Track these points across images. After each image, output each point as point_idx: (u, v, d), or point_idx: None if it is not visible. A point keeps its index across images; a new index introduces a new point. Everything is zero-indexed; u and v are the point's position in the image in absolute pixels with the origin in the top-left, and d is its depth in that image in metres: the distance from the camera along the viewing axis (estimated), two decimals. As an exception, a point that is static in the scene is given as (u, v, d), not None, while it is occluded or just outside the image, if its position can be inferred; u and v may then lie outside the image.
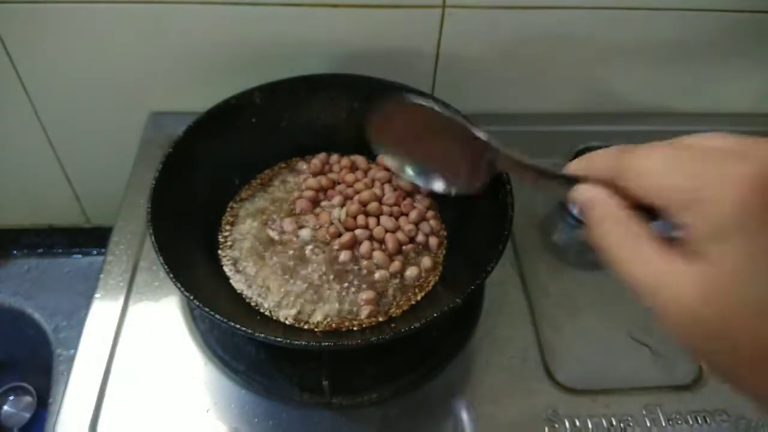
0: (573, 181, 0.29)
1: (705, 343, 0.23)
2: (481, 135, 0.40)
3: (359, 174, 0.59)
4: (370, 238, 0.54)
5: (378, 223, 0.55)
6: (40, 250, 0.87)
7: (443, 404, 0.50)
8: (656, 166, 0.25)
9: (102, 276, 0.56)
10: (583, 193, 0.28)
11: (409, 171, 0.47)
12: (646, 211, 0.26)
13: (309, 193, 0.57)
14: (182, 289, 0.43)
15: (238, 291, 0.51)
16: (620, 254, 0.25)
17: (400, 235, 0.54)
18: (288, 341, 0.43)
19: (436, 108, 0.43)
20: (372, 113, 0.46)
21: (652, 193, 0.24)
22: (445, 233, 0.56)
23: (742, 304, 0.21)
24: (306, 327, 0.49)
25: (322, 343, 0.47)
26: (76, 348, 0.52)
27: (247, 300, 0.51)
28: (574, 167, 0.29)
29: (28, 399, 0.86)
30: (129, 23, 0.62)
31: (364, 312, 0.50)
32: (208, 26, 0.63)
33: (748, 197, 0.21)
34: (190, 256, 0.50)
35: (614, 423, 0.49)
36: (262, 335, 0.42)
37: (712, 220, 0.22)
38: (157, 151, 0.60)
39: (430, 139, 0.45)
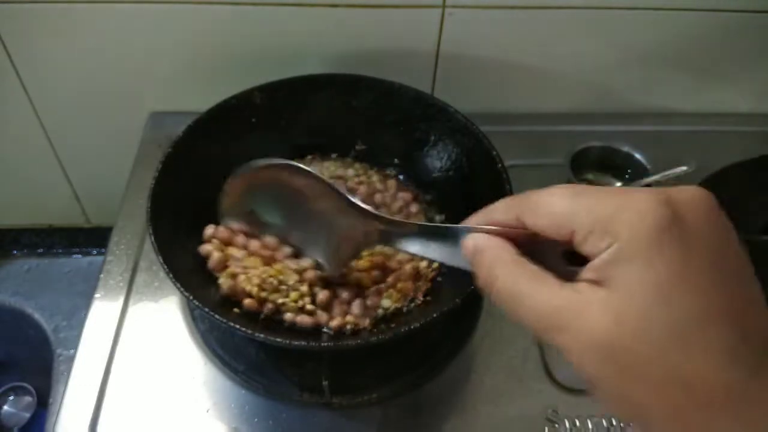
0: (466, 232, 0.29)
1: (615, 370, 0.22)
2: (361, 204, 0.40)
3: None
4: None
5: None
6: (40, 250, 0.87)
7: (443, 404, 0.50)
8: (557, 199, 0.25)
9: (102, 276, 0.56)
10: (473, 239, 0.28)
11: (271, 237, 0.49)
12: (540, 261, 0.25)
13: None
14: (182, 289, 0.43)
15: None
16: (519, 293, 0.25)
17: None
18: (288, 342, 0.43)
19: (311, 173, 0.43)
20: (235, 176, 0.47)
21: (554, 224, 0.24)
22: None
23: (651, 328, 0.21)
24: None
25: (322, 344, 0.47)
26: (76, 348, 0.52)
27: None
28: (472, 220, 0.29)
29: (28, 399, 0.87)
30: (129, 23, 0.62)
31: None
32: (208, 26, 0.63)
33: (648, 221, 0.21)
34: (189, 256, 0.50)
35: (614, 423, 0.49)
36: (262, 336, 0.42)
37: (616, 245, 0.22)
38: (157, 151, 0.60)
39: (301, 209, 0.45)
